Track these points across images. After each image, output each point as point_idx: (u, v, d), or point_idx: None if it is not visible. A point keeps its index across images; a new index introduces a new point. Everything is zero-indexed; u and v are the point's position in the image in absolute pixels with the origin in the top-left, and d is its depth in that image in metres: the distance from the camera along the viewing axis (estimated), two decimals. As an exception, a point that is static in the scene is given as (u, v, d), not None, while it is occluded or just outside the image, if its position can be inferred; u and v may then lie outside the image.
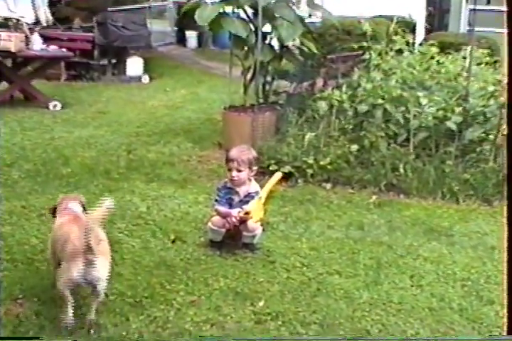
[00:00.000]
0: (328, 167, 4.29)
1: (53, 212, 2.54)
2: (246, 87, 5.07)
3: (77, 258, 2.15)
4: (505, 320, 1.96)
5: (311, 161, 4.29)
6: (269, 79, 5.15)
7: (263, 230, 3.19)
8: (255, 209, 2.97)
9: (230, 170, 3.06)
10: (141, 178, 4.26)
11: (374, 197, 4.10)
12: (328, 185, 4.25)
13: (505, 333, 2.02)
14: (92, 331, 2.27)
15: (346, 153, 4.35)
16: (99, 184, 4.04)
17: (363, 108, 4.44)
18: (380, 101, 4.39)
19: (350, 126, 4.52)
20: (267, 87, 5.16)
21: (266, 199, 3.19)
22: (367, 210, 3.87)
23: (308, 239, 3.34)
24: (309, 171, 4.29)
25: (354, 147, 4.35)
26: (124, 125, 5.75)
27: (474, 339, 2.44)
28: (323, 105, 4.55)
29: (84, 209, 2.55)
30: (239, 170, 3.01)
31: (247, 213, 2.96)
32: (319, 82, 5.42)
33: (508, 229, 1.90)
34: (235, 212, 2.96)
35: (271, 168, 4.33)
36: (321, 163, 4.29)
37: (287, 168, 4.31)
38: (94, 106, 6.57)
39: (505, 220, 1.88)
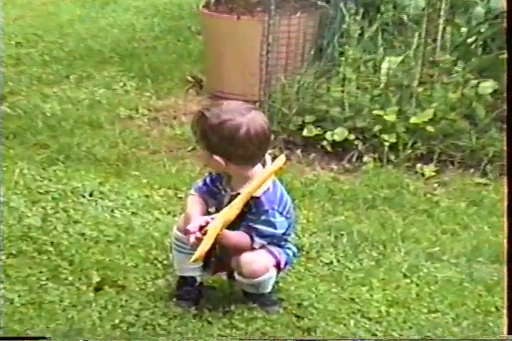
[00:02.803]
0: (429, 129, 4.33)
1: None
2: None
3: None
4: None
5: (391, 117, 4.34)
6: None
7: (278, 270, 3.13)
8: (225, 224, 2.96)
9: None
10: (28, 155, 4.37)
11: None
12: (429, 168, 4.33)
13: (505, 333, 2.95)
14: None
15: (469, 99, 4.41)
16: None
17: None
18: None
19: (480, 40, 4.58)
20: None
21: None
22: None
23: (384, 282, 3.41)
24: (387, 139, 4.34)
25: (487, 85, 4.41)
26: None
27: (474, 340, 3.08)
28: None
29: None
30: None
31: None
32: None
33: (508, 226, 2.89)
34: (195, 224, 2.96)
35: (305, 133, 4.43)
36: (414, 120, 4.33)
37: (340, 133, 4.39)
38: None
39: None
